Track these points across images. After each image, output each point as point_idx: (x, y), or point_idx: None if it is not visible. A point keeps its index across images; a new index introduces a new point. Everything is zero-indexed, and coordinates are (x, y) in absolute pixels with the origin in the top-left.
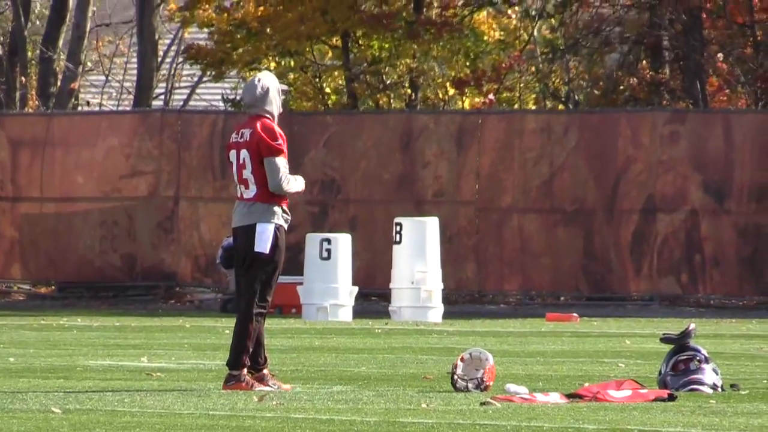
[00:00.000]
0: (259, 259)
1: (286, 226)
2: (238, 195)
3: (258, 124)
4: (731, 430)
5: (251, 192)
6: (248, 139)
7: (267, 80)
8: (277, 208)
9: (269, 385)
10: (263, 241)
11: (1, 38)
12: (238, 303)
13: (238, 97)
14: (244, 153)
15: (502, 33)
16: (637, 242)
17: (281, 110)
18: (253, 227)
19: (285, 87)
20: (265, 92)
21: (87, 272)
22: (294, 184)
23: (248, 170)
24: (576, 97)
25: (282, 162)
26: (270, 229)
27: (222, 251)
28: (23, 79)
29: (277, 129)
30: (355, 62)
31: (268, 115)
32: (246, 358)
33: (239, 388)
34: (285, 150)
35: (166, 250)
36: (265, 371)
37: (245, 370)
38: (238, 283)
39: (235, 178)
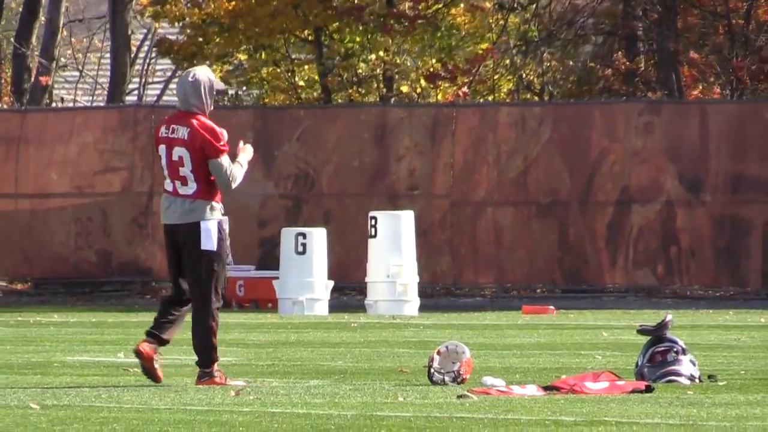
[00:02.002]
0: (207, 256)
1: (223, 217)
2: (170, 190)
3: (195, 123)
4: (709, 421)
5: (190, 189)
6: (186, 138)
7: (200, 75)
8: (216, 204)
9: (154, 363)
10: (210, 239)
11: None
12: (173, 295)
13: None
14: (180, 151)
15: (476, 26)
16: (612, 234)
17: (211, 107)
18: (197, 225)
19: (222, 85)
20: (197, 87)
21: (62, 268)
22: (239, 174)
23: (187, 168)
24: (550, 89)
25: (226, 160)
26: (214, 226)
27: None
28: (1, 74)
29: (216, 127)
30: (328, 56)
31: (200, 112)
32: (215, 353)
33: (213, 383)
34: (227, 146)
35: (141, 246)
36: (159, 349)
37: (216, 365)
38: (172, 275)
39: (165, 172)
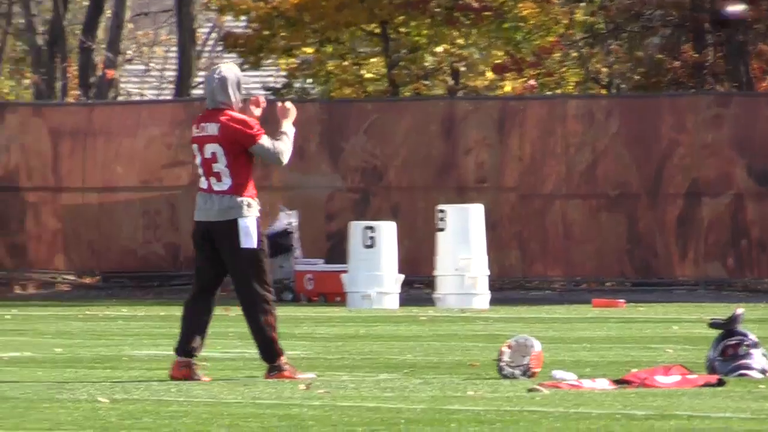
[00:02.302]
0: (247, 254)
1: (260, 214)
2: (205, 187)
3: (223, 118)
4: None
5: (225, 185)
6: (216, 133)
7: (226, 71)
8: (253, 201)
9: (193, 376)
10: (249, 236)
11: (42, 29)
12: (198, 293)
13: (278, 85)
14: (212, 147)
15: (544, 18)
16: (682, 227)
17: (240, 104)
18: (234, 223)
19: (248, 82)
20: (224, 83)
21: (130, 262)
22: (286, 145)
23: (221, 164)
24: (618, 82)
25: (267, 141)
26: (253, 223)
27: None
28: (68, 68)
29: (246, 116)
30: (395, 49)
31: (227, 108)
32: (277, 346)
33: (282, 377)
34: (261, 129)
35: None
36: (194, 360)
37: (283, 358)
38: (199, 272)
39: (201, 170)
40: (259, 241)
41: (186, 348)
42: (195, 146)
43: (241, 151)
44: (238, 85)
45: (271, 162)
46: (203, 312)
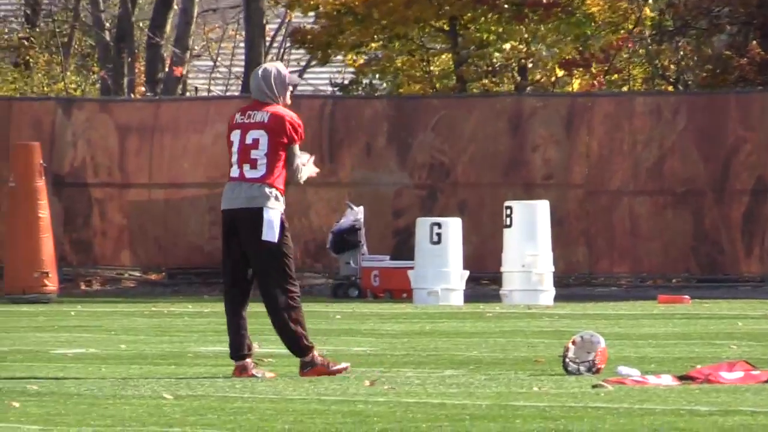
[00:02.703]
0: (267, 248)
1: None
2: (236, 175)
3: (279, 110)
4: None
5: (258, 173)
6: (266, 121)
7: (269, 67)
8: (280, 195)
9: (253, 374)
10: (271, 230)
11: (109, 24)
12: (232, 289)
13: (346, 81)
14: (257, 133)
15: (612, 14)
16: (748, 223)
17: (288, 102)
18: (260, 212)
19: (297, 79)
20: (268, 83)
21: (197, 258)
22: (306, 172)
23: (261, 151)
24: (686, 79)
25: (298, 149)
26: (277, 216)
27: (332, 236)
28: (135, 64)
29: (296, 117)
30: (463, 45)
31: (273, 102)
32: (304, 341)
33: (317, 372)
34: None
35: None
36: (248, 360)
37: (315, 352)
38: (227, 267)
39: (235, 157)
40: (282, 236)
41: (237, 353)
42: (237, 131)
43: (283, 145)
44: (282, 81)
45: (290, 169)
46: (241, 311)
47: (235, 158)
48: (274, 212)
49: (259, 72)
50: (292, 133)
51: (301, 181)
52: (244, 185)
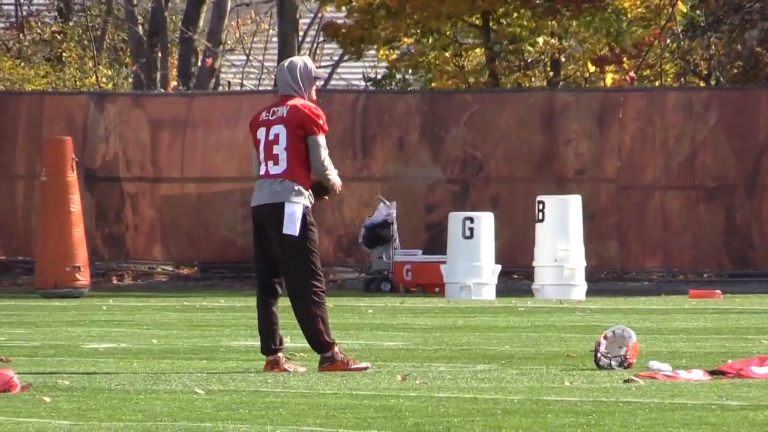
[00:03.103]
0: (290, 242)
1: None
2: (263, 173)
3: (297, 103)
4: None
5: (280, 168)
6: (285, 115)
7: (295, 60)
8: (304, 189)
9: (285, 369)
10: (292, 223)
11: (142, 19)
12: (264, 284)
13: (379, 76)
14: (278, 128)
15: (644, 10)
16: None
17: (313, 97)
18: (281, 207)
19: (323, 74)
20: (294, 75)
21: (229, 253)
22: (333, 169)
23: (281, 146)
24: (717, 74)
25: (324, 141)
26: (299, 210)
27: (364, 230)
28: (168, 58)
29: (317, 108)
30: (496, 40)
31: (298, 95)
32: (326, 336)
33: (336, 368)
34: (327, 129)
35: None
36: (280, 354)
37: (336, 348)
38: (259, 262)
39: (262, 155)
40: (304, 230)
41: (268, 347)
42: (263, 129)
43: (303, 138)
44: (308, 74)
45: (314, 162)
46: (272, 306)
47: (262, 156)
48: (296, 206)
49: (286, 64)
50: (309, 124)
51: (330, 178)
52: (269, 181)
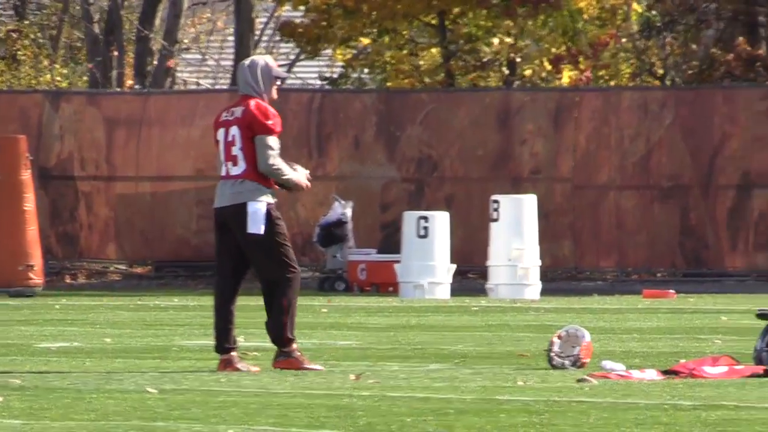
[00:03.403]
0: (255, 241)
1: (275, 201)
2: (224, 173)
3: (251, 103)
4: None
5: (239, 169)
6: (239, 116)
7: (257, 58)
8: (266, 188)
9: (238, 368)
10: (256, 222)
11: (98, 17)
12: (223, 284)
13: (334, 75)
14: (233, 130)
15: (599, 10)
16: (733, 218)
17: (274, 96)
18: (244, 207)
19: (284, 73)
20: (254, 74)
21: (183, 252)
22: (285, 167)
23: (237, 147)
24: (673, 74)
25: (273, 141)
26: (262, 208)
27: (319, 229)
28: (124, 57)
29: (270, 108)
30: (452, 40)
31: (257, 95)
32: (289, 332)
33: (290, 364)
34: (278, 130)
35: None
36: (234, 354)
37: (294, 345)
38: (220, 262)
39: (222, 156)
40: (270, 225)
41: (222, 346)
42: (222, 130)
43: (252, 138)
44: (268, 73)
45: (259, 162)
46: (229, 304)
47: (222, 157)
48: (258, 204)
49: (246, 63)
50: (257, 124)
51: (282, 178)
52: (229, 183)
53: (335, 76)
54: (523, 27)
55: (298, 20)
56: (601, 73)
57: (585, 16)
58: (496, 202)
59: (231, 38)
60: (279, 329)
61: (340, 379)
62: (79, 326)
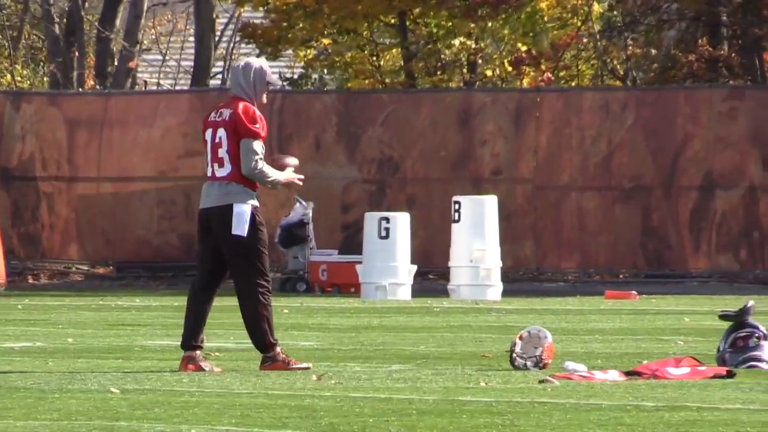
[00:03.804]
0: (239, 243)
1: (258, 205)
2: (210, 174)
3: (240, 106)
4: None
5: (225, 171)
6: (226, 118)
7: (252, 61)
8: (252, 190)
9: (201, 366)
10: (241, 224)
11: (58, 18)
12: (201, 283)
13: (295, 76)
14: (221, 132)
15: (560, 10)
16: (695, 219)
17: (263, 101)
18: (230, 208)
19: (277, 80)
20: (247, 76)
21: (145, 252)
22: (269, 170)
23: (224, 149)
24: (634, 75)
25: (258, 146)
26: (247, 211)
27: (280, 230)
28: (85, 58)
29: (258, 113)
30: (412, 41)
31: (248, 98)
32: (270, 337)
33: (277, 368)
34: (263, 134)
35: None
36: (198, 352)
37: (278, 348)
38: (202, 262)
39: (209, 156)
40: (253, 230)
41: (188, 342)
42: (209, 130)
43: (237, 141)
44: (262, 77)
45: (245, 163)
46: (205, 303)
47: (208, 157)
48: (244, 206)
49: (241, 65)
50: (242, 128)
51: (265, 180)
52: (216, 184)
53: (296, 77)
54: (484, 28)
55: (258, 21)
56: (562, 74)
57: (545, 17)
58: (457, 203)
59: (191, 39)
60: (260, 336)
61: (302, 380)
62: (42, 326)
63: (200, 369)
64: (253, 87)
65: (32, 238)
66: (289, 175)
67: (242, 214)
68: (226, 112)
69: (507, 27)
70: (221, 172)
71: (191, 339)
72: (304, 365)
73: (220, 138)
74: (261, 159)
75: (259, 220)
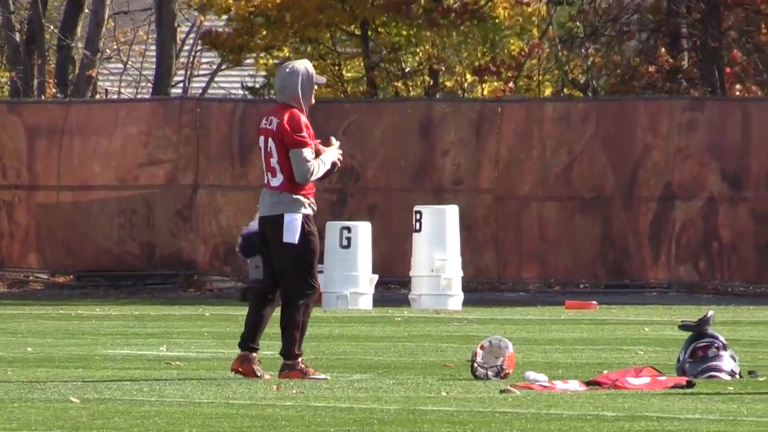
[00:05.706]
0: (290, 250)
1: (312, 213)
2: (266, 182)
3: (286, 115)
4: (749, 417)
5: (278, 181)
6: (275, 128)
7: (297, 66)
8: (303, 199)
9: (254, 369)
10: (291, 232)
11: (19, 26)
12: (264, 286)
13: (257, 85)
14: (271, 142)
15: (519, 19)
16: (655, 230)
17: (312, 102)
18: (281, 218)
19: (322, 79)
20: (294, 78)
21: (105, 261)
22: (320, 169)
23: (275, 159)
24: (595, 85)
25: (308, 153)
26: (298, 219)
27: (241, 239)
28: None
29: (303, 119)
30: (375, 50)
31: (294, 104)
32: (297, 348)
33: (294, 376)
34: (310, 141)
35: (184, 239)
36: (254, 354)
37: (299, 359)
38: (265, 266)
39: (263, 164)
40: (304, 239)
41: (246, 342)
42: (262, 138)
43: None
44: (309, 80)
45: (296, 172)
46: (266, 307)
47: (264, 165)
48: (295, 215)
49: (287, 70)
50: (288, 138)
51: (323, 179)
52: (269, 193)
53: (258, 85)
54: (446, 38)
55: (220, 29)
56: (521, 83)
57: (504, 25)
58: (418, 212)
59: (153, 47)
60: (289, 343)
61: (263, 389)
62: (1, 335)
63: (251, 372)
64: (300, 92)
65: None
66: (333, 156)
67: (292, 222)
68: (275, 121)
69: (469, 37)
70: (274, 182)
71: (249, 340)
72: (322, 376)
73: (270, 148)
74: (311, 164)
75: (309, 230)
